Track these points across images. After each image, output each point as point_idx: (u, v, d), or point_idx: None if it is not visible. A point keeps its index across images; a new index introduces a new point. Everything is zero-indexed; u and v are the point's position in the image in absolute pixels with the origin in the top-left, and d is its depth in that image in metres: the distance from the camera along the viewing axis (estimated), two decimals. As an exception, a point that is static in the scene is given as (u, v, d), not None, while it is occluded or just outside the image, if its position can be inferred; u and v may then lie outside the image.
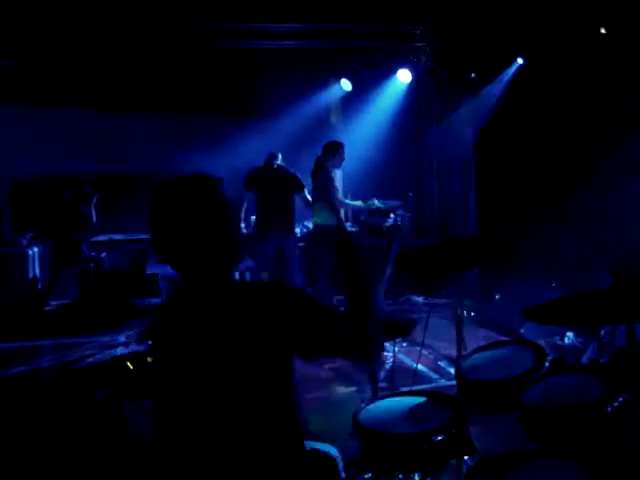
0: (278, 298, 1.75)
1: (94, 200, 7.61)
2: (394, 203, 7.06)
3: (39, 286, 7.54)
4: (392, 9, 6.58)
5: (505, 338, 5.01)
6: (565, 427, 2.28)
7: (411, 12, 6.82)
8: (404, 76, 8.04)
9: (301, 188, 6.74)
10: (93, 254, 7.60)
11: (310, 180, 6.65)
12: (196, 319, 1.77)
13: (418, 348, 5.53)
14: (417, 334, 5.21)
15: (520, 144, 6.56)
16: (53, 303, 7.52)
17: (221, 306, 1.76)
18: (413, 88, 8.31)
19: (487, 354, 3.02)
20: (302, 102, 8.33)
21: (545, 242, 6.33)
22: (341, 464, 2.27)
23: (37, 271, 7.56)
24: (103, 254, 7.72)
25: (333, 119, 9.10)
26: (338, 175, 6.58)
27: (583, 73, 6.19)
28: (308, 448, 1.99)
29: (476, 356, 3.02)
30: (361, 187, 7.70)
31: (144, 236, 7.42)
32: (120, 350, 5.71)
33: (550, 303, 2.44)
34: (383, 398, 2.74)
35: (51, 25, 6.49)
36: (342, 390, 4.77)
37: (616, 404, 2.23)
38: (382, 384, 4.23)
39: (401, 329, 2.88)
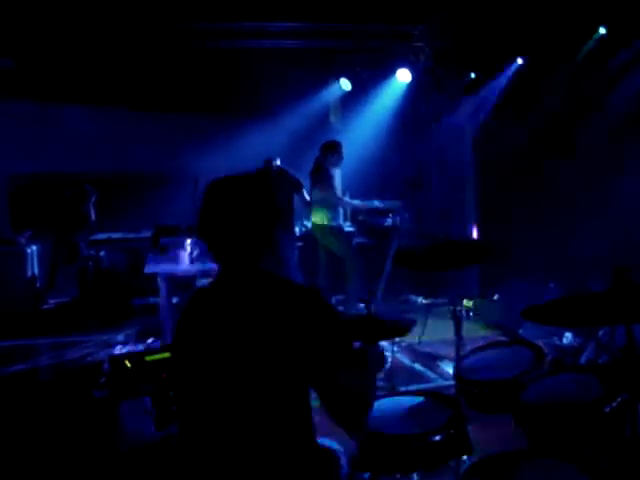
0: (308, 307, 1.81)
1: (93, 199, 7.59)
2: (393, 203, 7.07)
3: (38, 284, 7.52)
4: (391, 9, 6.58)
5: (504, 338, 5.02)
6: (564, 427, 2.28)
7: (410, 12, 6.82)
8: (403, 76, 8.03)
9: (300, 187, 6.75)
10: (92, 253, 7.58)
11: (309, 180, 6.67)
12: (226, 310, 1.84)
13: (416, 348, 5.55)
14: (416, 334, 5.23)
15: (520, 144, 6.55)
16: (51, 301, 7.50)
17: (253, 300, 1.82)
18: (412, 88, 8.29)
19: (485, 354, 3.02)
20: (302, 102, 8.32)
21: (544, 242, 6.33)
22: (344, 458, 2.28)
23: (36, 269, 7.55)
24: (102, 253, 7.71)
25: (332, 119, 9.08)
26: (337, 174, 6.59)
27: (583, 73, 6.19)
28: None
29: (474, 356, 3.02)
30: (360, 186, 7.69)
31: (143, 235, 7.42)
32: (118, 349, 5.71)
33: (549, 303, 2.45)
34: (381, 398, 2.74)
35: (52, 24, 6.48)
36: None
37: (615, 404, 2.23)
38: (380, 384, 4.23)
39: (400, 329, 2.87)
